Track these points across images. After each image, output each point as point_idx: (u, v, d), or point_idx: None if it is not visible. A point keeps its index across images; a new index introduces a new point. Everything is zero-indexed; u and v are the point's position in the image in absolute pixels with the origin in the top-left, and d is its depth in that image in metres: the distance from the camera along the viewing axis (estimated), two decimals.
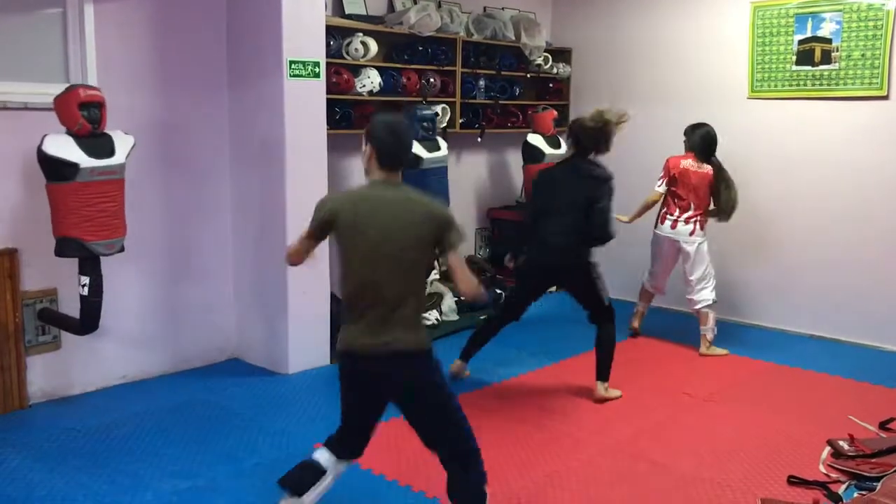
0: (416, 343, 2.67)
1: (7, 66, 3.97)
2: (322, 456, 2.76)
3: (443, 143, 5.17)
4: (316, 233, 2.75)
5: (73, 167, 3.58)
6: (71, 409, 4.07)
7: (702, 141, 5.12)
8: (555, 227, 4.15)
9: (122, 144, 3.82)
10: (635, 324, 5.58)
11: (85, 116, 3.63)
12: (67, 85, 3.82)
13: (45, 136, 3.60)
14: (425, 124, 5.04)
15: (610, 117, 4.12)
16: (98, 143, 3.69)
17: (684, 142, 5.23)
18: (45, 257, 3.88)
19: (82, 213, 3.64)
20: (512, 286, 4.46)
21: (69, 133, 3.64)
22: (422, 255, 2.64)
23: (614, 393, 4.36)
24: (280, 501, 2.71)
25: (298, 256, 2.81)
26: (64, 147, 3.59)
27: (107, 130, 3.79)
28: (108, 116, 3.78)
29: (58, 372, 4.19)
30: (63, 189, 3.61)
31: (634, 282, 5.68)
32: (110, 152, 3.73)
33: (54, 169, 3.60)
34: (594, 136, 4.15)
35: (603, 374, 4.34)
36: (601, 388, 4.32)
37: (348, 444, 2.80)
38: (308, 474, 2.72)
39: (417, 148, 4.97)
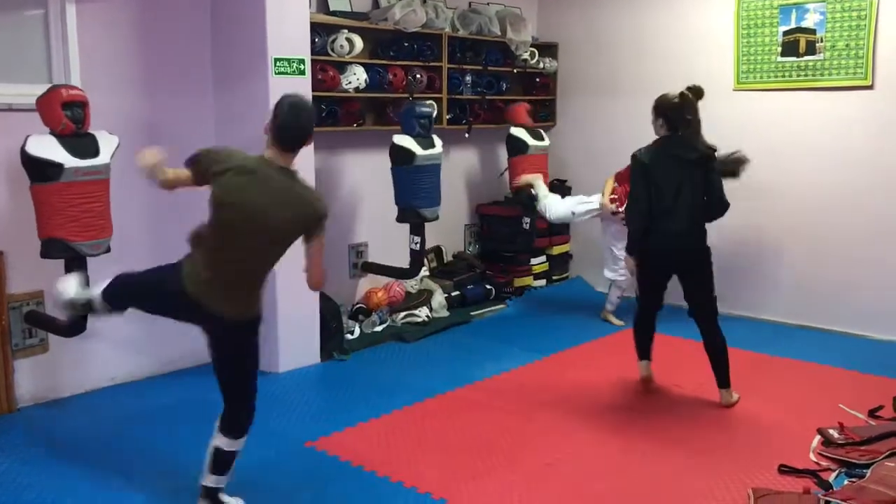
0: (259, 311, 2.99)
1: None
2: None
3: (437, 141, 5.14)
4: (197, 177, 2.86)
5: (57, 167, 3.55)
6: (60, 412, 4.04)
7: None
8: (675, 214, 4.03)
9: (107, 144, 3.80)
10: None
11: (68, 116, 3.61)
12: (50, 85, 3.79)
13: (28, 136, 3.57)
14: (422, 121, 5.03)
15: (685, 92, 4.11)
16: (82, 143, 3.66)
17: None
18: (31, 259, 3.85)
19: (67, 214, 3.61)
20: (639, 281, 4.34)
21: (53, 133, 3.62)
22: (288, 245, 2.89)
23: (736, 396, 4.21)
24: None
25: (170, 186, 2.97)
26: (48, 147, 3.56)
27: (91, 130, 3.77)
28: (92, 117, 3.76)
29: (46, 375, 4.16)
30: (47, 190, 3.58)
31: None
32: (95, 152, 3.70)
33: (38, 169, 3.57)
34: (680, 110, 4.08)
35: (725, 380, 4.17)
36: (729, 395, 4.17)
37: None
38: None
39: (412, 144, 4.95)
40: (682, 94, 4.09)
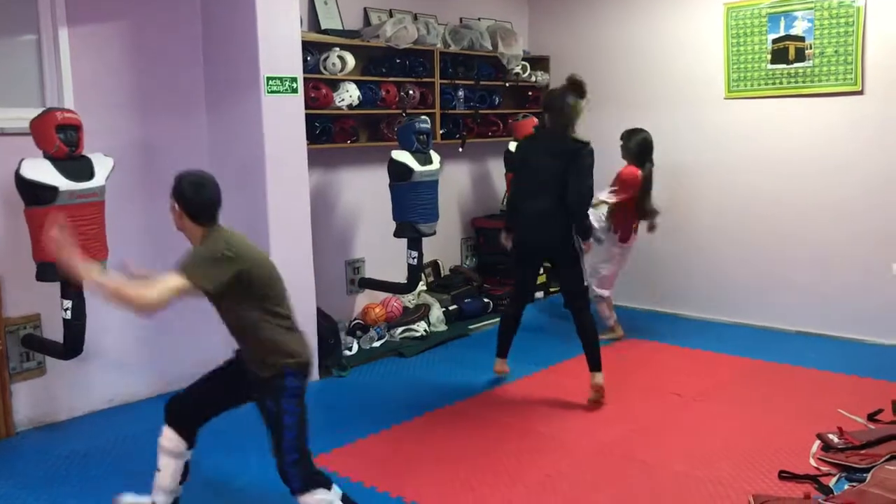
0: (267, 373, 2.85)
1: None
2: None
3: (435, 157, 5.16)
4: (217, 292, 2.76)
5: (52, 190, 3.56)
6: (58, 435, 4.03)
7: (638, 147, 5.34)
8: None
9: (102, 167, 3.81)
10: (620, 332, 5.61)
11: (62, 139, 3.62)
12: (44, 108, 3.80)
13: (22, 159, 3.58)
14: (421, 137, 5.04)
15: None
16: (77, 166, 3.67)
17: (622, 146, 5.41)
18: (27, 283, 3.85)
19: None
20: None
21: (47, 156, 3.63)
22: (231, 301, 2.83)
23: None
24: None
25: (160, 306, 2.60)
26: (42, 170, 3.57)
27: (86, 153, 3.78)
28: (86, 139, 3.77)
29: (43, 398, 4.15)
30: (42, 213, 3.56)
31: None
32: (90, 175, 3.71)
33: (33, 192, 3.58)
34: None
35: (596, 363, 4.33)
36: (599, 378, 4.31)
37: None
38: None
39: (409, 160, 4.96)
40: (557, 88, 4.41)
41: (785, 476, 3.36)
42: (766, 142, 5.68)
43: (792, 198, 5.61)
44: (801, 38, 5.41)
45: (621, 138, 5.38)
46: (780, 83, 5.55)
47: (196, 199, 2.79)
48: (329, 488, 2.81)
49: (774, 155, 5.66)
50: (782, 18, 5.49)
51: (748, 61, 5.69)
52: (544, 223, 4.26)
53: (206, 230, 2.81)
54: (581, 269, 4.33)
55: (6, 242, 3.96)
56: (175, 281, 2.59)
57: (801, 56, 5.43)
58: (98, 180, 3.74)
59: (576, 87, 4.32)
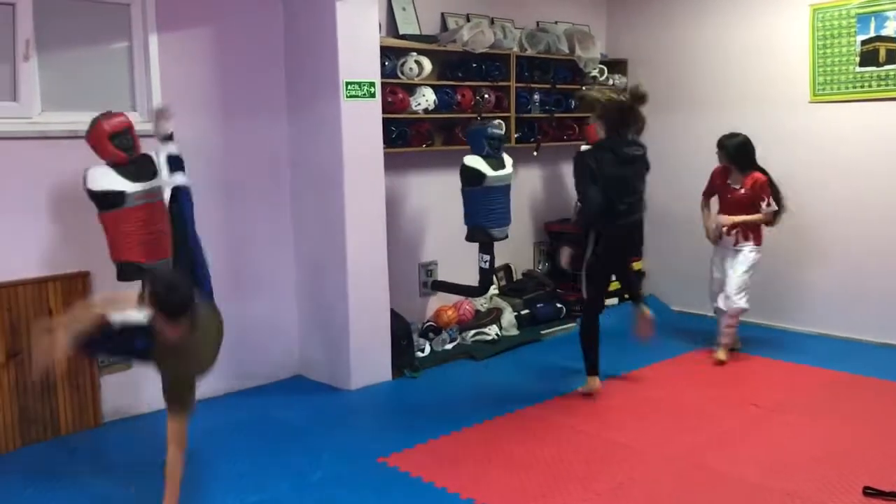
0: None
1: (77, 96, 4.16)
2: None
3: (508, 161, 5.15)
4: None
5: (119, 195, 3.59)
6: (141, 427, 4.19)
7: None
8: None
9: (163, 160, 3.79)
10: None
11: (116, 145, 3.61)
12: (93, 117, 3.73)
13: (86, 171, 3.62)
14: (493, 142, 5.04)
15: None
16: (138, 167, 3.67)
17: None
18: (115, 280, 4.02)
19: (136, 237, 3.66)
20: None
21: (109, 164, 3.64)
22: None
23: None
24: None
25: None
26: (106, 178, 3.59)
27: (145, 151, 3.78)
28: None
29: (129, 391, 4.32)
30: (113, 216, 3.63)
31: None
32: (153, 174, 3.72)
33: (102, 199, 3.63)
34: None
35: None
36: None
37: None
38: None
39: (482, 165, 4.96)
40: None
41: (870, 493, 3.24)
42: (854, 147, 5.48)
43: (878, 205, 5.40)
44: (893, 40, 5.21)
45: (718, 144, 5.19)
46: (870, 86, 5.36)
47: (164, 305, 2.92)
48: None
49: (861, 160, 5.46)
50: (872, 19, 5.29)
51: (835, 64, 5.51)
52: (633, 230, 4.45)
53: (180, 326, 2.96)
54: None
55: (94, 240, 4.11)
56: (182, 425, 3.06)
57: (892, 58, 5.22)
58: (161, 178, 3.74)
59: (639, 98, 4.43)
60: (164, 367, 3.09)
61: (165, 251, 3.78)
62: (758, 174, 5.05)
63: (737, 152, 5.06)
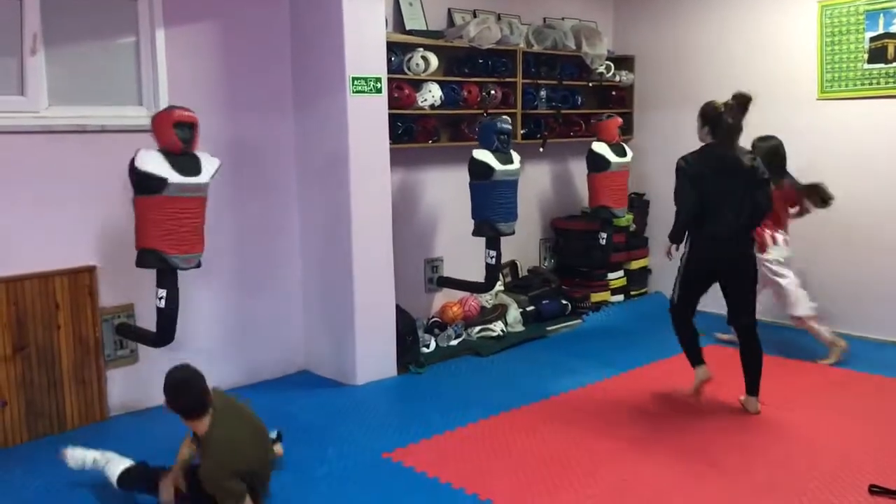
0: None
1: (84, 91, 4.17)
2: None
3: (516, 156, 5.14)
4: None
5: (162, 181, 3.65)
6: (148, 421, 4.20)
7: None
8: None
9: (209, 165, 3.86)
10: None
11: (178, 135, 3.71)
12: (167, 106, 3.90)
13: (138, 150, 3.68)
14: (502, 137, 5.04)
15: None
16: (187, 162, 3.76)
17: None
18: (121, 273, 4.04)
19: (165, 227, 3.70)
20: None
21: (160, 150, 3.72)
22: None
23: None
24: None
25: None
26: (155, 162, 3.66)
27: (195, 152, 3.86)
28: None
29: (135, 385, 4.34)
30: (149, 202, 3.68)
31: None
32: (197, 171, 3.79)
33: (144, 182, 3.68)
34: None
35: (755, 387, 4.21)
36: (754, 404, 4.21)
37: None
38: None
39: (490, 159, 4.96)
40: (725, 102, 4.15)
41: (876, 490, 3.23)
42: (862, 144, 5.47)
43: (887, 203, 5.38)
44: None
45: (751, 146, 5.08)
46: (878, 83, 5.33)
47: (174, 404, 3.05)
48: None
49: (870, 157, 5.44)
50: (881, 15, 5.27)
51: (843, 61, 5.49)
52: (733, 239, 4.11)
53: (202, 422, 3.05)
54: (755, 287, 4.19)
55: (102, 235, 4.15)
56: None
57: None
58: (204, 177, 3.82)
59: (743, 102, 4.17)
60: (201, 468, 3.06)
61: (196, 246, 3.84)
62: (787, 190, 4.94)
63: (766, 157, 4.63)
